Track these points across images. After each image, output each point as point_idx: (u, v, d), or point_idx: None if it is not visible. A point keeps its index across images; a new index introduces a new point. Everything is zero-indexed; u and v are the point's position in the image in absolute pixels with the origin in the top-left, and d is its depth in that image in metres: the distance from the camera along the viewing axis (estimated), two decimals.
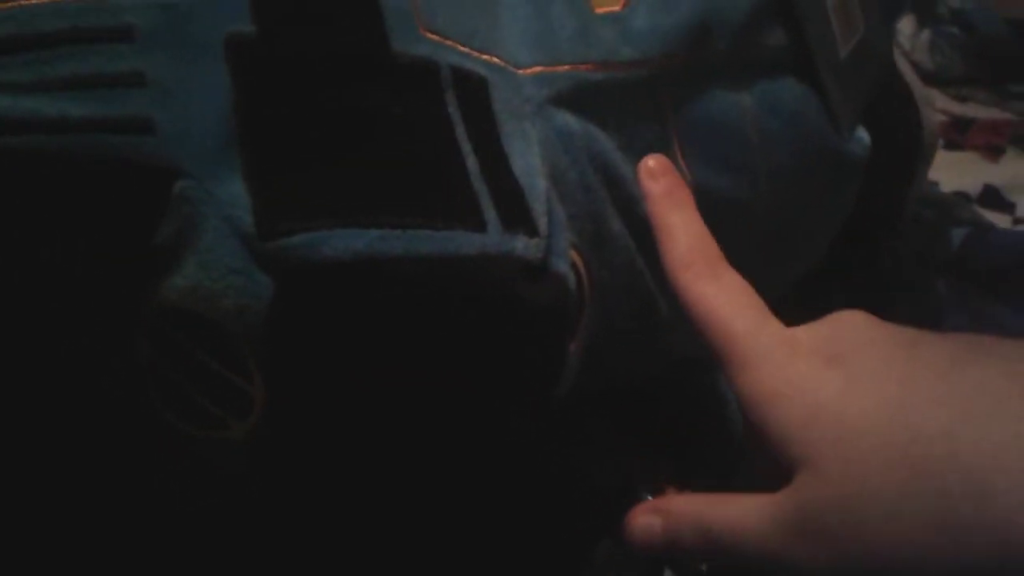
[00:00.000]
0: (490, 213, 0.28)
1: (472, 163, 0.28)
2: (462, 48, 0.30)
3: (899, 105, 0.47)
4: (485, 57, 0.31)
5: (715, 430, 0.40)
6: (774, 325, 0.30)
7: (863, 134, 0.42)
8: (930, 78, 0.88)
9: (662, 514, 0.32)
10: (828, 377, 0.28)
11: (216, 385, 0.26)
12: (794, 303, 0.46)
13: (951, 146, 0.79)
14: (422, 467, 0.30)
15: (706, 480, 0.40)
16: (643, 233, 0.34)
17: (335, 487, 0.29)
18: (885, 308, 0.50)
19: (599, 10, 0.34)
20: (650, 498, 0.38)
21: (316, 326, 0.26)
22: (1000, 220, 0.71)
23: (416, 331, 0.27)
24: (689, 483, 0.39)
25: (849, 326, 0.30)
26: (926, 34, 0.90)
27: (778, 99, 0.38)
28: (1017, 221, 0.71)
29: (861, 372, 0.28)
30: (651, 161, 0.33)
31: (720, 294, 0.31)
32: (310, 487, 0.29)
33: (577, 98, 0.33)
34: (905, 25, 0.91)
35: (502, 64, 0.31)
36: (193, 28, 0.25)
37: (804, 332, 0.30)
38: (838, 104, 0.40)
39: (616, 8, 0.34)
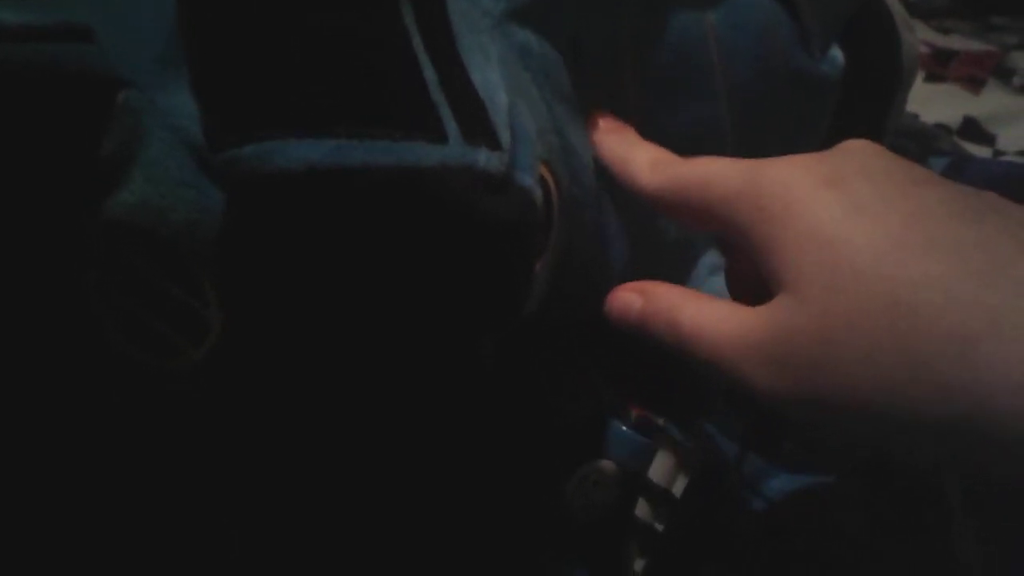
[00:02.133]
0: (451, 125, 0.27)
1: (430, 74, 0.27)
2: None
3: (877, 27, 0.46)
4: None
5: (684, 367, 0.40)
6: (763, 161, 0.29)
7: (837, 53, 0.41)
8: (913, 9, 0.86)
9: (644, 296, 0.31)
10: (825, 199, 0.26)
11: (169, 307, 0.25)
12: None
13: (933, 78, 0.78)
14: (385, 391, 0.29)
15: (681, 413, 0.40)
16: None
17: (293, 412, 0.28)
18: None
19: None
20: (624, 428, 0.38)
21: (271, 241, 0.25)
22: (980, 152, 0.70)
23: (375, 245, 0.26)
24: (664, 414, 0.39)
25: (856, 152, 0.28)
26: None
27: (744, 16, 0.37)
28: (997, 153, 0.71)
29: (862, 200, 0.26)
30: (601, 121, 0.34)
31: (696, 165, 0.31)
32: (268, 413, 0.28)
33: (535, 12, 0.32)
34: None
35: None
36: None
37: (803, 156, 0.29)
38: (810, 21, 0.39)
39: None
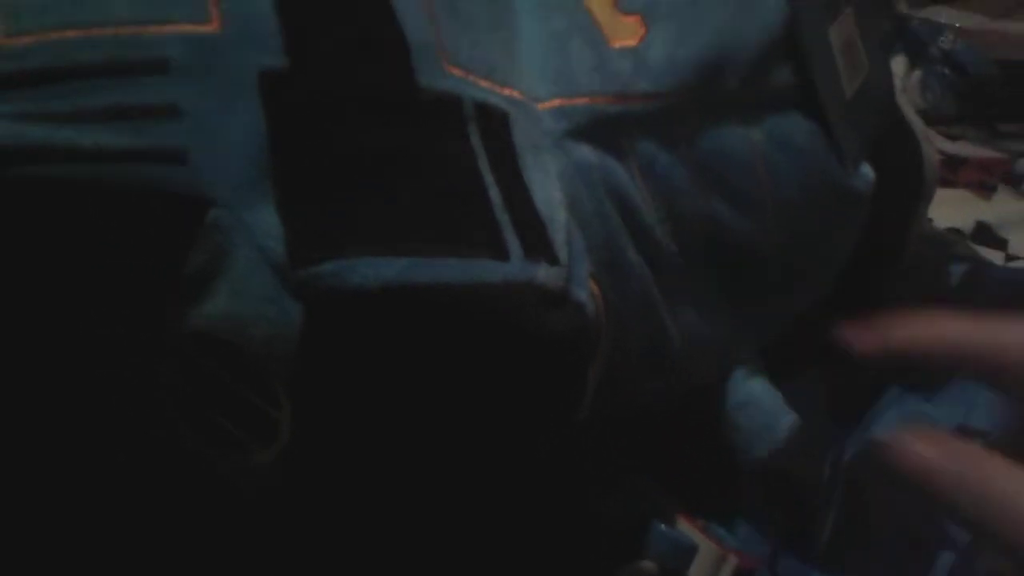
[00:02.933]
0: (513, 243, 0.28)
1: (495, 194, 0.29)
2: (483, 82, 0.30)
3: (902, 142, 0.48)
4: (506, 91, 0.31)
5: (724, 460, 0.40)
6: None
7: (867, 169, 0.42)
8: (922, 117, 0.88)
9: (937, 447, 0.27)
10: None
11: (242, 411, 0.26)
12: (799, 338, 0.46)
13: (944, 183, 0.80)
14: (445, 493, 0.30)
15: (715, 510, 0.40)
16: (655, 260, 0.35)
17: (358, 513, 0.29)
18: None
19: (615, 43, 0.34)
20: (664, 527, 0.38)
21: (345, 353, 0.26)
22: (993, 256, 0.71)
23: (442, 358, 0.27)
24: (699, 513, 0.39)
25: None
26: (917, 74, 0.91)
27: (786, 135, 0.39)
28: (1010, 257, 0.72)
29: None
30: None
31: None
32: (333, 513, 0.28)
33: (594, 130, 0.33)
34: (897, 65, 0.92)
35: (522, 98, 0.32)
36: (226, 61, 0.25)
37: None
38: (844, 141, 0.41)
39: (632, 42, 0.35)
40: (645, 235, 0.34)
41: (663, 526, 0.37)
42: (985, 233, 0.74)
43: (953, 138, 0.88)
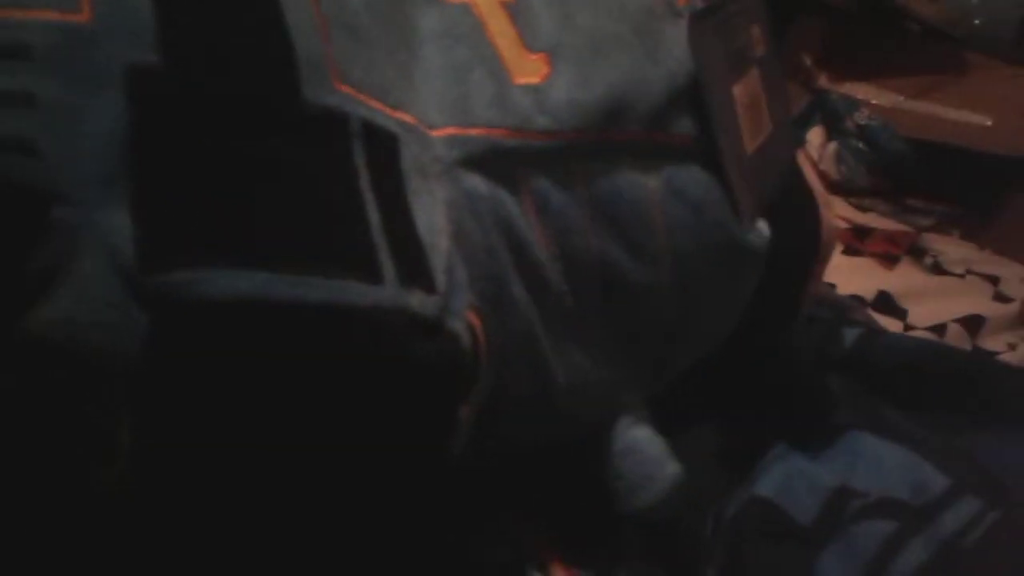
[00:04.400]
0: (387, 266, 0.27)
1: (374, 215, 0.27)
2: (375, 103, 0.29)
3: (800, 204, 0.48)
4: (398, 115, 0.30)
5: (604, 507, 0.39)
6: None
7: (764, 226, 0.42)
8: (835, 187, 0.90)
9: None
10: None
11: (80, 427, 0.24)
12: (692, 393, 0.46)
13: (851, 251, 0.81)
14: (304, 525, 0.28)
15: (593, 559, 0.39)
16: (542, 298, 0.34)
17: (211, 547, 0.27)
18: (781, 402, 0.50)
19: (519, 80, 0.34)
20: (537, 575, 0.37)
21: (193, 370, 0.24)
22: (892, 325, 0.72)
23: (301, 381, 0.26)
24: (576, 561, 0.38)
25: None
26: (833, 145, 0.92)
27: (684, 186, 0.38)
28: (908, 327, 0.73)
29: None
30: None
31: None
32: (183, 547, 0.26)
33: (489, 162, 0.32)
34: (814, 136, 0.93)
35: (415, 123, 0.31)
36: (93, 53, 0.24)
37: None
38: (741, 195, 0.41)
39: (536, 80, 0.34)
40: (534, 271, 0.33)
41: (537, 574, 0.36)
42: (886, 302, 0.75)
43: (864, 210, 0.90)
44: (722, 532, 0.42)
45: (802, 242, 0.48)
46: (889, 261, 0.80)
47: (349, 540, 0.29)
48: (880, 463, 0.45)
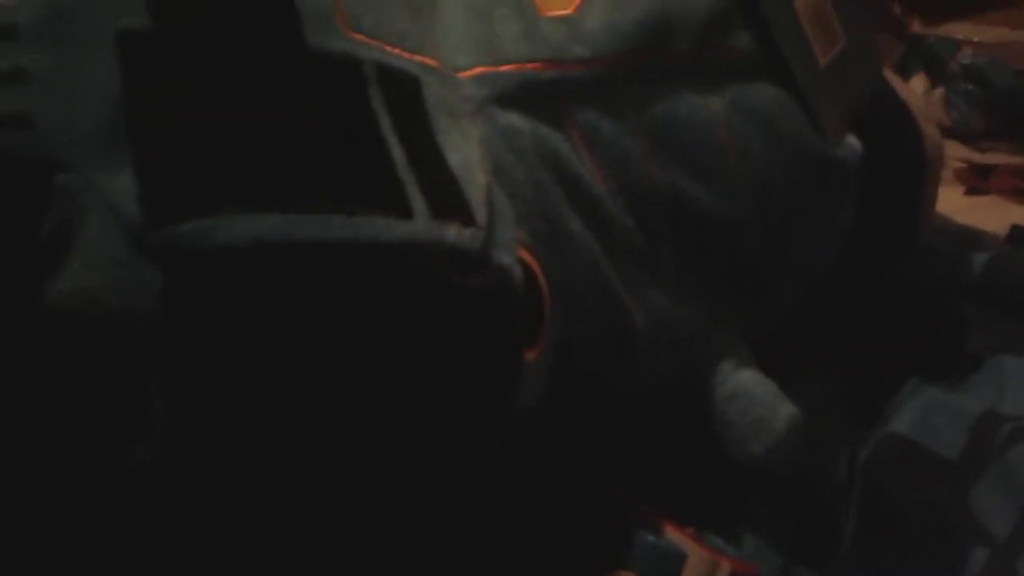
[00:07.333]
0: (418, 201, 0.25)
1: (399, 154, 0.25)
2: (390, 48, 0.27)
3: (895, 120, 0.43)
4: (417, 58, 0.28)
5: (716, 460, 0.35)
6: None
7: (853, 140, 0.38)
8: (949, 134, 0.83)
9: None
10: None
11: (110, 398, 0.22)
12: (804, 332, 0.41)
13: (974, 191, 0.74)
14: (368, 488, 0.25)
15: (709, 518, 0.35)
16: (606, 235, 0.31)
17: (260, 520, 0.25)
18: (908, 335, 0.45)
19: (549, 13, 0.31)
20: (649, 537, 0.33)
21: (217, 323, 0.22)
22: None
23: (337, 329, 0.23)
24: (690, 522, 0.34)
25: None
26: (939, 92, 0.86)
27: (752, 103, 0.35)
28: None
29: None
30: None
31: None
32: (228, 520, 0.24)
33: (525, 97, 0.30)
34: (917, 84, 0.87)
35: (437, 66, 0.28)
36: (80, 22, 0.23)
37: None
38: (821, 109, 0.37)
39: (567, 11, 0.32)
40: (593, 207, 0.30)
41: (648, 535, 0.32)
42: (1021, 236, 0.68)
43: (982, 151, 0.83)
44: (857, 477, 0.37)
45: (904, 160, 0.43)
46: (1018, 195, 0.73)
47: (418, 507, 0.26)
48: None
